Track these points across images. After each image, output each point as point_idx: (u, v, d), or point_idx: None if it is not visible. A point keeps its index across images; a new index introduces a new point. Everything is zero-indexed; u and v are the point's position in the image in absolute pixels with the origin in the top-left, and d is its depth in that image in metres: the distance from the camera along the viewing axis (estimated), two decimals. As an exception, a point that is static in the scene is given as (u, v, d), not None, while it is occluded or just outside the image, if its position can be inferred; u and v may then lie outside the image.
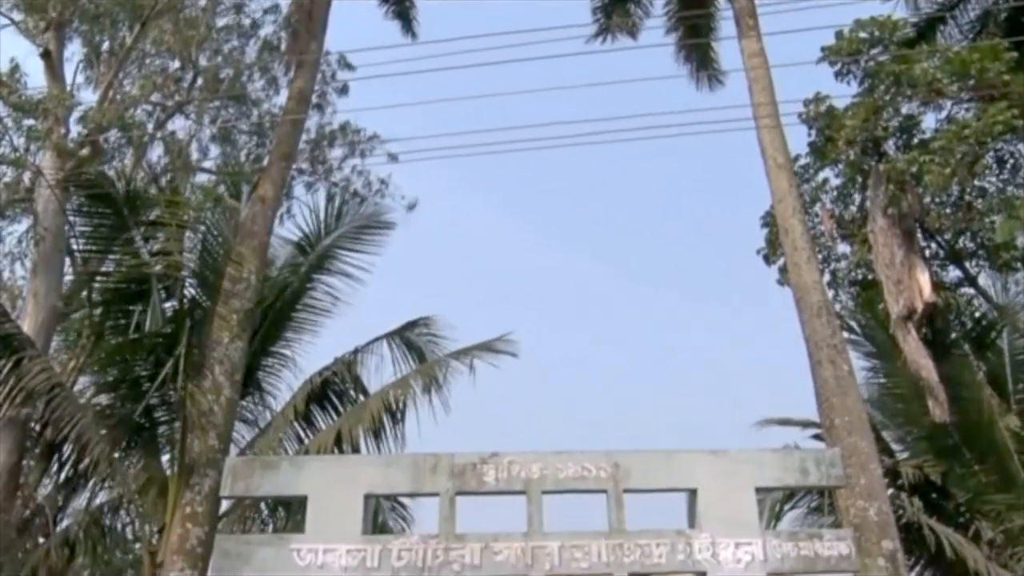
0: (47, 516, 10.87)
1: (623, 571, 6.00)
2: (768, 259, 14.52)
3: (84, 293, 11.51)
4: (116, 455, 9.23)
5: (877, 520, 8.06)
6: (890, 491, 10.00)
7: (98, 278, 10.48)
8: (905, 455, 12.13)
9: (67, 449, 9.56)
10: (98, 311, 10.23)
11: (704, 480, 6.32)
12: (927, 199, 13.44)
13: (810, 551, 6.08)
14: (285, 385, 11.49)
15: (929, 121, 13.41)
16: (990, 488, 11.26)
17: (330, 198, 13.02)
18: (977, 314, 12.96)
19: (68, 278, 12.59)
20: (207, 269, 10.20)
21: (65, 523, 11.11)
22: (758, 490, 6.51)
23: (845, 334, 11.22)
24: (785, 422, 12.36)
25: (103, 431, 9.21)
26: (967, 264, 14.03)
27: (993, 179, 13.66)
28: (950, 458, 11.62)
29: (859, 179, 13.59)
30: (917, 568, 11.01)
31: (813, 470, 6.47)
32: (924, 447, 12.02)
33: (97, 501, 10.76)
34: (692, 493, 6.35)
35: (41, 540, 10.76)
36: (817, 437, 11.06)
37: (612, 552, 6.02)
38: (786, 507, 11.50)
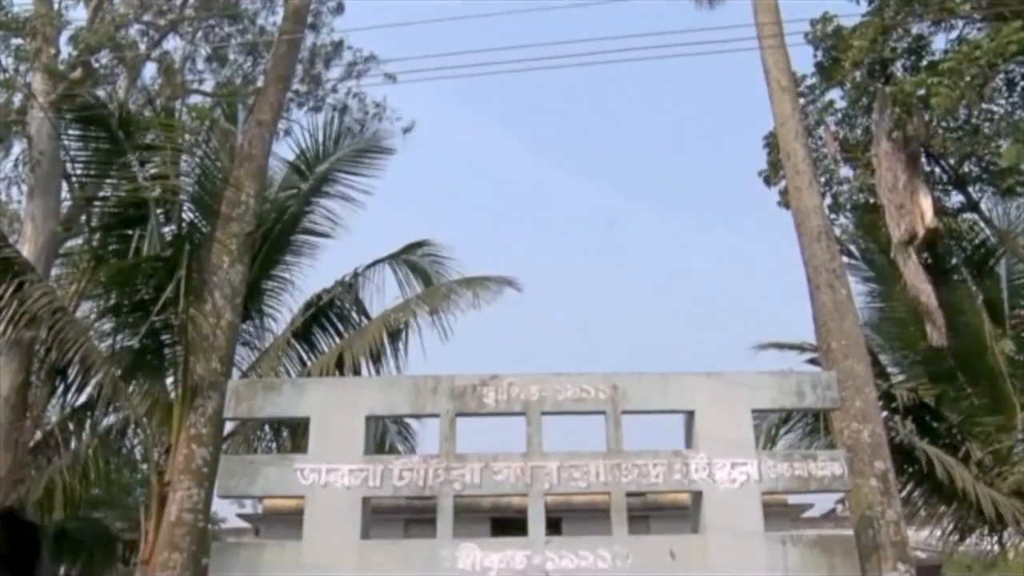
0: (57, 438, 11.06)
1: (620, 490, 6.13)
2: (768, 181, 14.34)
3: (83, 218, 11.48)
4: (121, 378, 9.35)
5: (870, 442, 8.18)
6: (884, 413, 10.13)
7: (96, 202, 10.42)
8: (900, 378, 12.27)
9: (72, 372, 9.68)
10: (97, 235, 10.21)
11: (701, 402, 6.39)
12: (933, 123, 13.19)
13: (804, 471, 6.20)
14: (286, 308, 11.57)
15: (939, 42, 13.06)
16: (981, 410, 11.46)
17: (328, 121, 12.82)
18: (978, 240, 12.90)
19: (66, 202, 12.50)
20: (205, 193, 10.14)
21: (75, 445, 11.32)
22: (754, 412, 6.60)
23: (845, 258, 11.20)
24: (782, 346, 12.43)
25: (107, 355, 9.32)
26: (970, 189, 13.88)
27: (1002, 102, 13.36)
28: (944, 381, 11.79)
29: (865, 102, 13.31)
30: (908, 487, 11.28)
31: (809, 392, 6.55)
32: (919, 370, 12.16)
33: (105, 423, 10.95)
34: (689, 415, 6.43)
35: (57, 460, 10.97)
36: (814, 361, 11.16)
37: (610, 472, 6.13)
38: (782, 431, 11.67)
